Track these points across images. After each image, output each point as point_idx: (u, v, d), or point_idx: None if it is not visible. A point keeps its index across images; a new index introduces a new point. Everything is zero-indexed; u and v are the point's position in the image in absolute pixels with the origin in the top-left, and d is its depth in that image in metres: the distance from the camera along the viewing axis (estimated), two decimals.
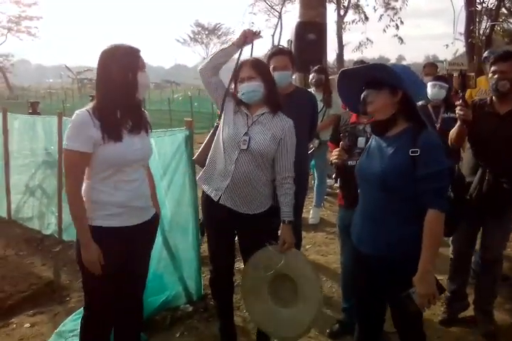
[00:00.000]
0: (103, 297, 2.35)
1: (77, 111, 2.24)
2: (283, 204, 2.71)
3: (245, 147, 2.61)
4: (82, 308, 2.49)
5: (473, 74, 3.01)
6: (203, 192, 2.80)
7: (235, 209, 2.68)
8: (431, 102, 4.29)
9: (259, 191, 2.69)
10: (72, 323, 3.08)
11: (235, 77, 2.70)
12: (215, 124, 2.90)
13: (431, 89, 4.18)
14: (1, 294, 3.74)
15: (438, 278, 2.13)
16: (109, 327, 2.49)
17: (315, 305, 2.61)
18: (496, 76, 2.90)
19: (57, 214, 4.99)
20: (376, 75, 2.11)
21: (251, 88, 2.62)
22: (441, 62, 12.03)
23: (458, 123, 3.01)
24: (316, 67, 5.76)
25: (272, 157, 2.69)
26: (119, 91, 2.21)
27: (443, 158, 2.06)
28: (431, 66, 6.21)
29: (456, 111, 2.94)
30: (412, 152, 2.02)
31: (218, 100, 2.79)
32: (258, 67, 2.66)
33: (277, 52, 3.42)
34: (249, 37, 2.76)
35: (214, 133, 2.84)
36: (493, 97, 3.00)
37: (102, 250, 2.23)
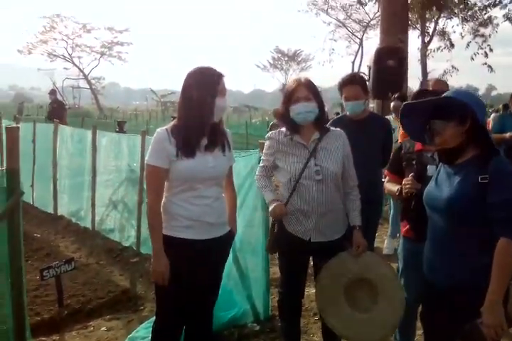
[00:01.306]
0: (173, 306, 2.45)
1: (158, 130, 2.42)
2: (351, 210, 2.75)
3: (320, 177, 2.63)
4: (154, 317, 2.60)
5: None
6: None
7: (323, 241, 2.70)
8: None
9: (339, 214, 2.75)
10: (144, 330, 3.22)
11: (287, 99, 2.69)
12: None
13: None
14: (82, 298, 3.98)
15: None
16: (179, 336, 2.58)
17: (399, 303, 2.60)
18: None
19: (136, 227, 5.25)
20: (443, 106, 2.08)
21: (309, 108, 2.64)
22: None
23: None
24: (396, 94, 5.72)
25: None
26: (196, 112, 2.35)
27: None
28: None
29: None
30: (482, 178, 1.99)
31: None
32: (313, 88, 2.69)
33: (348, 81, 3.43)
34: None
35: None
36: None
37: (171, 260, 2.35)
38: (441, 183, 2.17)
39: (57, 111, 11.48)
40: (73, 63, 54.73)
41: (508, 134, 5.90)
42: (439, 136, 2.10)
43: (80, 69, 55.03)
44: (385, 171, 3.10)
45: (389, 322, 2.63)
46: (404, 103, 2.30)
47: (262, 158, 2.87)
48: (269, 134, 2.84)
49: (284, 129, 2.77)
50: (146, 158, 2.39)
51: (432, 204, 2.21)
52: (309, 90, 2.67)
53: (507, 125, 6.14)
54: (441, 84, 5.62)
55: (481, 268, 2.01)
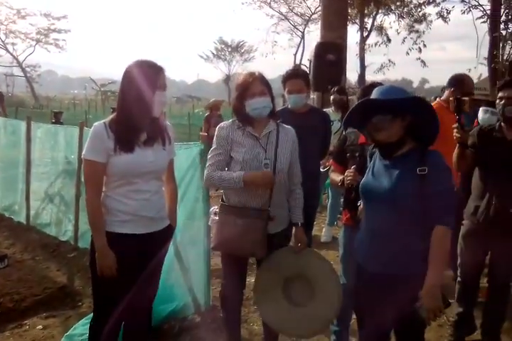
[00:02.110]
0: (113, 302, 2.42)
1: (95, 124, 2.37)
2: (295, 207, 2.81)
3: (269, 169, 2.66)
4: (92, 313, 2.56)
5: (467, 98, 3.04)
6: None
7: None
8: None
9: (283, 208, 2.79)
10: (82, 327, 3.16)
11: (242, 93, 2.67)
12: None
13: (482, 114, 4.01)
14: (16, 296, 3.84)
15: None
16: (117, 332, 2.56)
17: (336, 297, 2.65)
18: (502, 102, 2.94)
19: (73, 221, 5.11)
20: (386, 104, 2.13)
21: (264, 103, 2.66)
22: None
23: (456, 146, 3.03)
24: (336, 88, 5.86)
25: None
26: (134, 106, 2.32)
27: (451, 177, 2.15)
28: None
29: (454, 134, 2.96)
30: (420, 170, 2.09)
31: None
32: (266, 83, 2.71)
33: (292, 75, 3.49)
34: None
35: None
36: (502, 123, 3.04)
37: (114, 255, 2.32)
38: (379, 175, 2.25)
39: None
40: (6, 50, 52.01)
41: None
42: (382, 132, 2.16)
43: (13, 56, 52.37)
44: (331, 161, 3.17)
45: (324, 318, 2.69)
46: (365, 99, 2.24)
47: (212, 153, 2.74)
48: (221, 124, 2.80)
49: (235, 120, 2.76)
50: (84, 153, 2.34)
51: (369, 196, 2.29)
52: (264, 85, 2.68)
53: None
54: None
55: (420, 256, 2.11)
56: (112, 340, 2.52)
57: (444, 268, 2.11)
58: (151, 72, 2.34)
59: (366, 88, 2.88)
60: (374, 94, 2.21)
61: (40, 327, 3.48)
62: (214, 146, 2.74)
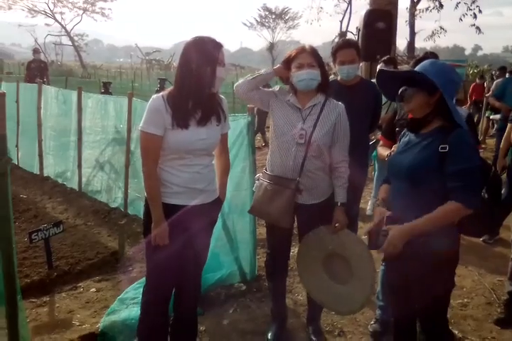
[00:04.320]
0: (164, 270, 2.49)
1: (153, 96, 2.37)
2: (337, 186, 2.76)
3: (302, 141, 2.64)
4: (144, 278, 2.66)
5: None
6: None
7: (299, 202, 2.73)
8: None
9: (321, 180, 2.76)
10: (134, 291, 3.29)
11: (289, 63, 2.68)
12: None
13: None
14: (71, 260, 4.04)
15: (498, 278, 2.14)
16: (169, 297, 2.64)
17: (368, 284, 2.64)
18: None
19: (123, 189, 5.27)
20: (415, 76, 2.13)
21: (311, 75, 2.62)
22: None
23: None
24: (384, 58, 5.65)
25: (329, 145, 2.72)
26: (195, 82, 2.31)
27: (474, 156, 2.07)
28: None
29: None
30: (442, 148, 2.04)
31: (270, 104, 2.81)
32: (317, 55, 2.67)
33: (344, 45, 3.35)
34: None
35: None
36: None
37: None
38: (405, 151, 2.23)
39: (42, 71, 11.28)
40: (55, 19, 53.02)
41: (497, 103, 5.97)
42: (407, 103, 2.16)
43: (62, 25, 53.37)
44: (379, 135, 3.11)
45: (356, 300, 2.68)
46: (379, 70, 2.34)
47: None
48: (276, 88, 2.87)
49: (281, 88, 2.78)
50: (141, 125, 2.34)
51: (392, 171, 2.29)
52: (314, 57, 2.64)
53: (508, 89, 6.21)
54: None
55: (437, 234, 2.08)
56: (163, 306, 2.61)
57: (428, 229, 2.06)
58: (211, 48, 2.32)
59: (418, 60, 2.79)
60: (417, 67, 2.19)
61: (93, 289, 3.65)
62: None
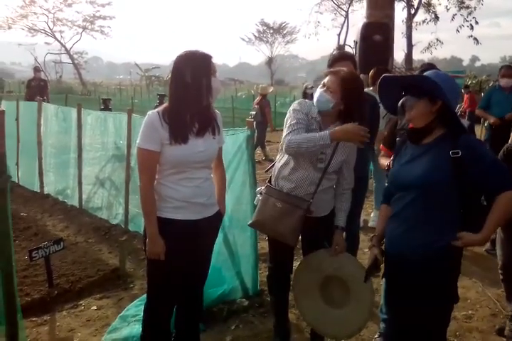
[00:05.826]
0: (166, 286, 2.48)
1: (149, 112, 2.38)
2: (340, 210, 2.76)
3: (322, 166, 2.63)
4: (145, 295, 2.63)
5: None
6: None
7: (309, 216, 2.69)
8: None
9: (329, 197, 2.77)
10: (135, 308, 3.26)
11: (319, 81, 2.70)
12: None
13: None
14: (71, 277, 4.00)
15: (502, 289, 2.14)
16: (170, 314, 2.62)
17: (367, 307, 2.63)
18: None
19: (124, 205, 5.26)
20: (417, 84, 2.14)
21: (323, 98, 2.60)
22: None
23: None
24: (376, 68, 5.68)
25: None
26: (192, 95, 2.32)
27: (487, 150, 2.13)
28: (508, 68, 6.07)
29: None
30: (453, 153, 2.04)
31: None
32: (346, 83, 2.56)
33: (340, 57, 3.38)
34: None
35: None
36: None
37: (166, 241, 2.37)
38: (411, 161, 2.21)
39: (42, 89, 11.39)
40: (55, 38, 53.63)
41: (491, 120, 5.96)
42: (409, 112, 2.15)
43: (61, 43, 53.94)
44: (380, 146, 3.14)
45: (355, 323, 2.67)
46: (383, 76, 2.30)
47: (291, 127, 2.59)
48: (302, 101, 2.75)
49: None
50: (138, 142, 2.36)
51: (401, 184, 2.24)
52: (340, 85, 2.55)
53: (493, 99, 6.18)
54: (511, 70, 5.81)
55: (443, 248, 2.09)
56: (165, 323, 2.58)
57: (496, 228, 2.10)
58: (202, 59, 2.34)
59: (421, 72, 2.83)
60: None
61: (94, 307, 3.61)
62: (293, 121, 2.62)
